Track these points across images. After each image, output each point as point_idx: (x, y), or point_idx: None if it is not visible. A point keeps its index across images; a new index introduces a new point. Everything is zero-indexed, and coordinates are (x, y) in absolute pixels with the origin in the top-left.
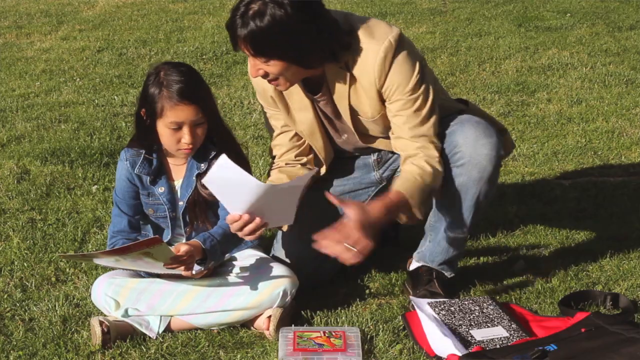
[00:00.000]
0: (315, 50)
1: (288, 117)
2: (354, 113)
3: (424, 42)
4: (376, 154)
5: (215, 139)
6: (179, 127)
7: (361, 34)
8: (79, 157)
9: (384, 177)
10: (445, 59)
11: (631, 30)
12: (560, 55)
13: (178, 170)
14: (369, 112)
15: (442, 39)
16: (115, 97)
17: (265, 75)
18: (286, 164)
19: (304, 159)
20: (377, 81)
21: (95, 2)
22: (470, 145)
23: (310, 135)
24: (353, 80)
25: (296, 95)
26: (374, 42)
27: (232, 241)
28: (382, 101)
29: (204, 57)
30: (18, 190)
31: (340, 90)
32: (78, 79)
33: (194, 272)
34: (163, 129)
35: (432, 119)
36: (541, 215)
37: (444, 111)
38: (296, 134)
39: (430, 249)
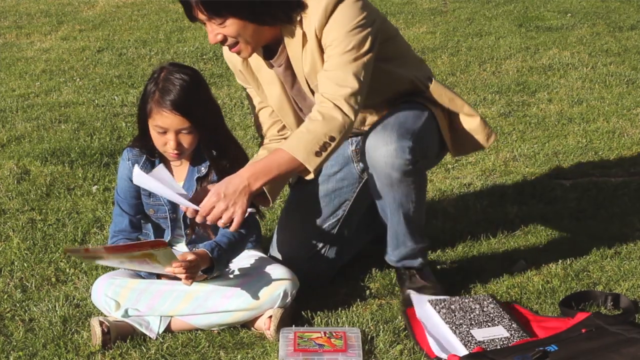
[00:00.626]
0: (268, 4)
1: (260, 92)
2: (310, 78)
3: (424, 42)
4: (354, 143)
5: (214, 147)
6: (164, 131)
7: None
8: (79, 158)
9: (365, 173)
10: (446, 59)
11: (632, 30)
12: (561, 56)
13: (180, 171)
14: (319, 69)
15: (442, 39)
16: (116, 97)
17: (224, 40)
18: (270, 140)
19: (288, 133)
20: (317, 31)
21: (95, 2)
22: (370, 154)
23: (280, 110)
24: (305, 39)
25: (264, 68)
26: None
27: (237, 249)
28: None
29: (204, 57)
30: (18, 191)
31: (295, 51)
32: (78, 79)
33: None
34: (151, 128)
35: (357, 70)
36: (542, 216)
37: (396, 85)
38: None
39: (389, 250)
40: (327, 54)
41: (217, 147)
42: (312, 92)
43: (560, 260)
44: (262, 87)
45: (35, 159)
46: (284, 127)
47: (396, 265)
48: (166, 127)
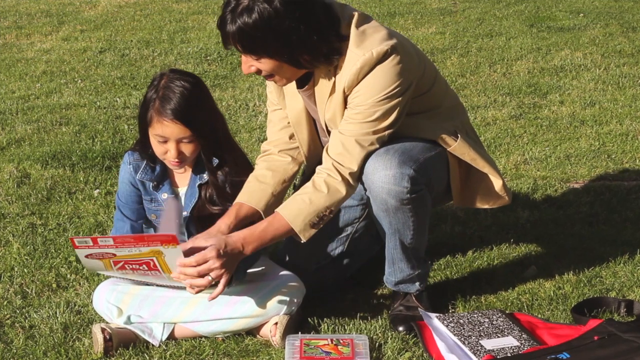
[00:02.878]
0: (306, 50)
1: (280, 99)
2: (329, 123)
3: (433, 42)
4: None
5: (216, 156)
6: (164, 140)
7: (352, 39)
8: (81, 161)
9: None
10: (456, 60)
11: None
12: (573, 57)
13: (182, 178)
14: (338, 122)
15: (452, 39)
16: (118, 99)
17: (259, 72)
18: (276, 148)
19: (296, 145)
20: (346, 89)
21: (97, 2)
22: (368, 176)
23: (296, 125)
24: (333, 89)
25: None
26: (357, 51)
27: (253, 258)
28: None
29: (208, 58)
30: (18, 195)
31: (321, 95)
32: (79, 81)
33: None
34: (151, 136)
35: (372, 146)
36: (553, 220)
37: (419, 134)
38: None
39: (386, 272)
40: (349, 113)
41: (218, 156)
42: (328, 131)
43: (572, 266)
44: (285, 97)
45: (36, 162)
46: (293, 134)
47: (393, 289)
48: (167, 136)
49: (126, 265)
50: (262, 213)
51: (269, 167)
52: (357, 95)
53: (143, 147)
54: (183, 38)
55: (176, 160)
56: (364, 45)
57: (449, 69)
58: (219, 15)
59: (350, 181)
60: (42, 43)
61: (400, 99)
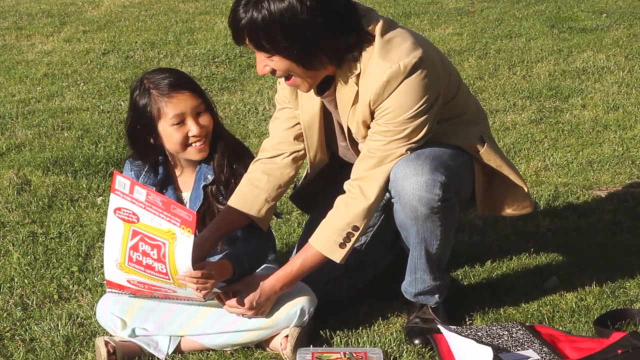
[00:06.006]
0: (319, 49)
1: (293, 97)
2: (350, 131)
3: (450, 44)
4: None
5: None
6: (181, 120)
7: (377, 49)
8: (83, 167)
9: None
10: (473, 62)
11: None
12: (595, 58)
13: (185, 182)
14: (362, 132)
15: (469, 40)
16: (122, 102)
17: (274, 72)
18: (279, 153)
19: (302, 147)
20: (371, 103)
21: (100, 2)
22: (398, 182)
23: (308, 128)
24: (357, 99)
25: None
26: (383, 63)
27: (259, 258)
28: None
29: (216, 60)
30: (18, 202)
31: (344, 104)
32: (82, 84)
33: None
34: (166, 129)
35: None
36: (575, 229)
37: (445, 140)
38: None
39: (405, 281)
40: (377, 129)
41: (223, 155)
42: (349, 138)
43: (595, 276)
44: (299, 97)
45: (37, 168)
46: (299, 136)
47: (412, 300)
48: (182, 111)
49: (138, 256)
50: (254, 219)
51: (265, 170)
52: (385, 112)
53: (141, 157)
54: (190, 39)
55: (200, 136)
56: (390, 57)
57: (467, 72)
58: (231, 9)
59: (370, 195)
60: (43, 44)
61: (429, 112)
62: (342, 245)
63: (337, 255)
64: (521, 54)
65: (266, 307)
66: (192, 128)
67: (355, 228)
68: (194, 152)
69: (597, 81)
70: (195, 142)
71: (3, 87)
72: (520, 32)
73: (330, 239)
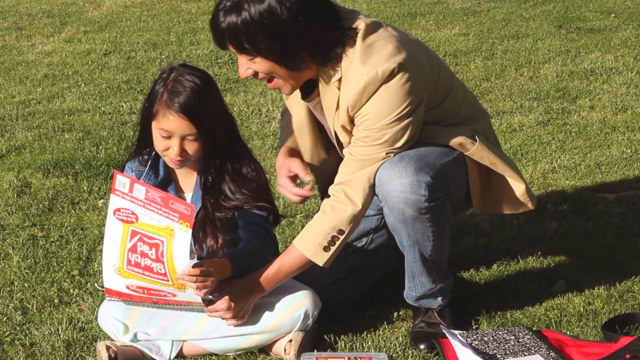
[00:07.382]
0: (303, 47)
1: (286, 98)
2: (339, 135)
3: (456, 44)
4: None
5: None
6: (168, 136)
7: (357, 53)
8: (84, 169)
9: None
10: (480, 63)
11: None
12: (603, 59)
13: (187, 182)
14: (345, 138)
15: (476, 41)
16: (123, 104)
17: (256, 75)
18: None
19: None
20: (350, 109)
21: (101, 2)
22: (383, 186)
23: (298, 131)
24: (338, 104)
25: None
26: (361, 68)
27: (261, 258)
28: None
29: (219, 60)
30: (18, 205)
31: (329, 107)
32: (83, 85)
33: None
34: (154, 131)
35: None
36: (583, 232)
37: (434, 140)
38: None
39: (406, 287)
40: (358, 135)
41: (223, 158)
42: (337, 141)
43: (603, 280)
44: (287, 101)
45: (37, 170)
46: None
47: (414, 305)
48: (172, 131)
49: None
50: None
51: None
52: (364, 118)
53: (141, 146)
54: (192, 40)
55: (178, 158)
56: (369, 62)
57: (473, 73)
58: (212, 13)
59: (356, 200)
60: (44, 45)
61: (410, 118)
62: (326, 249)
63: (321, 259)
64: (528, 55)
65: (246, 310)
66: (173, 148)
67: (341, 232)
68: (169, 162)
69: (605, 82)
70: (171, 157)
71: (3, 88)
72: (528, 32)
73: (314, 242)
